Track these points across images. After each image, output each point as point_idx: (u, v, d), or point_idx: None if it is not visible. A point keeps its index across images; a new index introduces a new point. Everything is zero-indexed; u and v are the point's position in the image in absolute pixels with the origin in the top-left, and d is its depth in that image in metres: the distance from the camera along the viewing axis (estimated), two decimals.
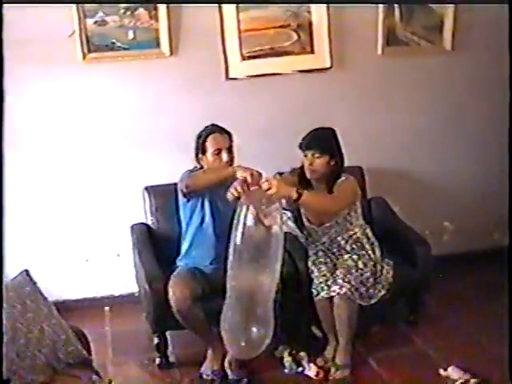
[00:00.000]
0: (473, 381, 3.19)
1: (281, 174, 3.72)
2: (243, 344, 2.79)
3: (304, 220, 3.66)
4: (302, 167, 3.50)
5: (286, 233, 3.16)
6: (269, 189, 2.88)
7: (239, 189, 2.90)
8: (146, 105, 4.03)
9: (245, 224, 2.78)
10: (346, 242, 3.55)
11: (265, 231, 2.79)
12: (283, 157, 3.82)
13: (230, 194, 2.95)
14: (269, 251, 2.77)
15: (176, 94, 4.03)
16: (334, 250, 3.55)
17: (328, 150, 3.42)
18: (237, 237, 2.79)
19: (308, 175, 3.46)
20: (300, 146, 3.44)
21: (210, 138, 3.37)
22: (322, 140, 3.44)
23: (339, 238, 3.56)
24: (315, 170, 3.43)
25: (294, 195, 3.03)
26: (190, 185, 3.28)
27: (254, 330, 2.76)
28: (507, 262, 3.19)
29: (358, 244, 3.54)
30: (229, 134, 3.41)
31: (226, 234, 2.93)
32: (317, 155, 3.40)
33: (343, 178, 3.47)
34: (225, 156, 3.34)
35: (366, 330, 3.62)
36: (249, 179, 2.95)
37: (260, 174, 3.01)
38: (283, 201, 3.02)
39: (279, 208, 2.86)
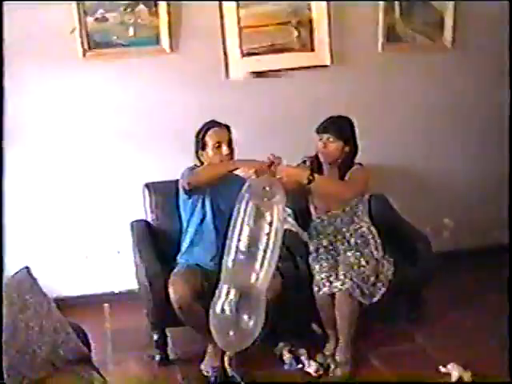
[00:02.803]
0: (472, 377, 3.19)
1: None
2: (232, 334, 2.79)
3: (311, 209, 3.67)
4: (316, 154, 3.53)
5: (285, 229, 3.17)
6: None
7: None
8: (146, 101, 4.03)
9: (244, 217, 2.79)
10: (351, 235, 3.55)
11: (264, 223, 2.80)
12: (283, 153, 3.80)
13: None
14: (267, 243, 2.78)
15: (176, 90, 4.03)
16: (338, 243, 3.55)
17: (343, 135, 3.47)
18: (235, 229, 2.81)
19: (321, 159, 3.51)
20: (316, 130, 3.49)
21: (209, 132, 3.38)
22: (338, 125, 3.48)
23: (344, 230, 3.56)
24: (329, 154, 3.47)
25: (305, 180, 3.16)
26: (192, 181, 3.28)
27: (245, 318, 2.76)
28: (507, 260, 3.20)
29: (363, 239, 3.53)
30: (228, 128, 3.43)
31: (226, 231, 2.94)
32: (331, 139, 3.44)
33: (357, 167, 3.51)
34: (225, 149, 3.35)
35: (366, 327, 3.62)
36: (253, 176, 3.00)
37: (263, 166, 3.05)
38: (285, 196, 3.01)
39: (281, 200, 2.87)
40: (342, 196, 3.50)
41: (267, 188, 2.87)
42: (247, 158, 3.19)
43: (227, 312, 2.78)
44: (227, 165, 3.27)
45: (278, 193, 2.88)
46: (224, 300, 2.80)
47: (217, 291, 2.85)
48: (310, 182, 3.18)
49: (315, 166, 3.52)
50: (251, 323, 2.77)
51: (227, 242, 2.85)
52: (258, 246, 2.80)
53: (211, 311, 2.83)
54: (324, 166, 3.54)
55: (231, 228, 2.84)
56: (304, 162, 3.59)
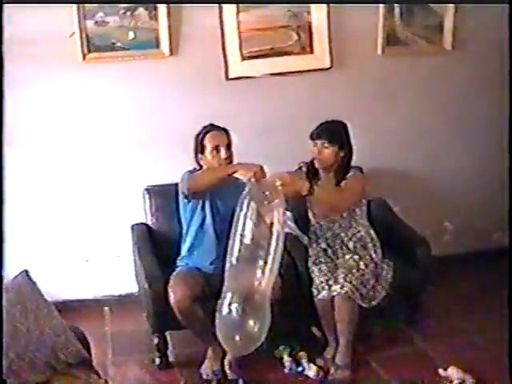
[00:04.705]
0: (472, 381, 3.18)
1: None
2: (238, 339, 2.78)
3: (309, 214, 3.67)
4: (312, 160, 3.53)
5: (286, 233, 3.16)
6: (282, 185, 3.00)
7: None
8: (146, 105, 4.03)
9: (245, 221, 2.79)
10: (350, 239, 3.55)
11: (265, 227, 2.80)
12: (283, 157, 3.83)
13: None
14: (269, 247, 2.78)
15: (176, 93, 4.03)
16: (337, 247, 3.56)
17: (337, 140, 3.46)
18: (237, 233, 2.81)
19: (317, 165, 3.50)
20: (311, 136, 3.48)
21: (207, 136, 3.39)
22: (332, 131, 3.48)
23: (342, 235, 3.56)
24: (324, 160, 3.47)
25: (305, 192, 3.15)
26: (191, 186, 3.28)
27: (251, 323, 2.75)
28: (507, 262, 3.20)
29: (361, 243, 3.54)
30: (226, 131, 3.43)
31: (226, 234, 2.94)
32: (326, 145, 3.44)
33: (352, 173, 3.50)
34: (223, 152, 3.35)
35: (366, 330, 3.61)
36: (252, 180, 2.99)
37: (262, 168, 3.04)
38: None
39: (281, 203, 2.87)
40: (338, 207, 3.51)
41: (267, 192, 2.88)
42: (246, 162, 3.19)
43: (232, 316, 2.78)
44: (226, 168, 3.27)
45: (278, 196, 2.88)
46: (229, 304, 2.79)
47: (221, 295, 2.85)
48: (309, 193, 3.18)
49: (311, 171, 3.52)
50: (257, 328, 2.77)
51: (229, 246, 2.84)
52: (259, 249, 2.79)
53: (217, 315, 2.82)
54: (320, 172, 3.53)
55: (232, 232, 2.84)
56: (300, 167, 3.59)
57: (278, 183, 2.98)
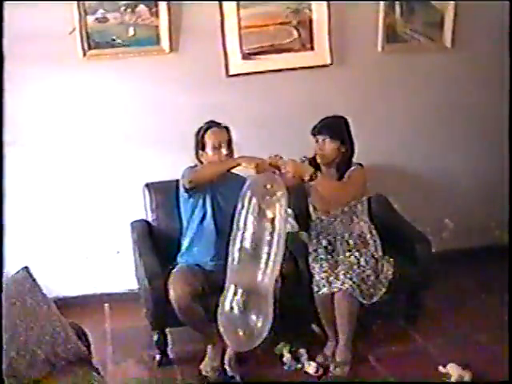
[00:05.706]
0: (471, 377, 3.18)
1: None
2: (241, 334, 2.79)
3: (310, 209, 3.67)
4: (314, 155, 3.53)
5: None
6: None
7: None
8: (147, 101, 4.03)
9: (247, 216, 2.79)
10: (350, 235, 3.55)
11: (267, 221, 2.80)
12: (283, 153, 3.81)
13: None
14: (271, 241, 2.78)
15: (176, 90, 4.03)
16: (337, 243, 3.55)
17: (338, 135, 3.46)
18: (239, 227, 2.81)
19: (318, 160, 3.50)
20: (312, 131, 3.48)
21: (208, 133, 3.39)
22: (334, 126, 3.48)
23: (343, 230, 3.56)
24: (325, 155, 3.47)
25: (307, 176, 3.17)
26: (193, 179, 3.29)
27: (254, 317, 2.76)
28: (507, 260, 3.20)
29: (362, 239, 3.54)
30: (227, 128, 3.43)
31: (226, 230, 2.95)
32: (327, 140, 3.44)
33: (354, 167, 3.50)
34: (224, 150, 3.36)
35: (365, 327, 3.62)
36: (254, 171, 2.99)
37: (264, 161, 3.05)
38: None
39: (283, 197, 2.87)
40: (340, 200, 3.51)
41: (268, 186, 2.88)
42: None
43: (235, 311, 2.78)
44: (229, 162, 3.28)
45: (279, 190, 2.88)
46: (231, 299, 2.80)
47: (224, 291, 2.85)
48: (311, 179, 3.19)
49: (313, 166, 3.52)
50: (259, 322, 2.77)
51: (231, 241, 2.85)
52: (262, 243, 2.80)
53: (219, 310, 2.83)
54: (322, 167, 3.53)
55: (234, 227, 2.85)
56: (302, 162, 3.59)
57: (282, 169, 3.03)
